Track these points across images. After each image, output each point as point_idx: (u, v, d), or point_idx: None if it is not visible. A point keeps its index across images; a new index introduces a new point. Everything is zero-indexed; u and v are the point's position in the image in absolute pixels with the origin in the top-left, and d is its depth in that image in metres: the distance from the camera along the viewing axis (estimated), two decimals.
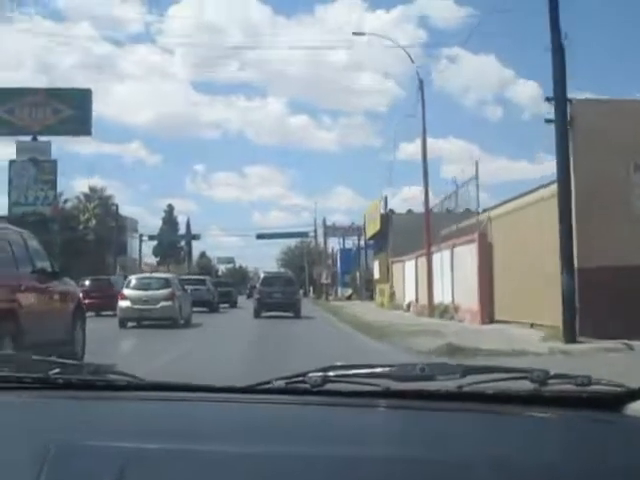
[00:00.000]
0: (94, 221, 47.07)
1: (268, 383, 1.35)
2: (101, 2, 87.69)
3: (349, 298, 47.96)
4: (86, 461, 1.01)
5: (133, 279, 20.38)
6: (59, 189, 40.30)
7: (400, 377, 1.29)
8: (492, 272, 17.05)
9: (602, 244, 11.33)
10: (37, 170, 37.61)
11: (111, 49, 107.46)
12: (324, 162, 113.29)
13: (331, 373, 1.31)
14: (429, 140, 24.15)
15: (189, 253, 76.34)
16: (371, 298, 39.79)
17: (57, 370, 1.43)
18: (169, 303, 18.53)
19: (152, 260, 67.34)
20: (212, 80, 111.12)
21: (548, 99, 11.47)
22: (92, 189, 49.83)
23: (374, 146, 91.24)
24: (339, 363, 1.37)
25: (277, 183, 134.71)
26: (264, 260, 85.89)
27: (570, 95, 11.46)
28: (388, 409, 1.26)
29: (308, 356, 9.56)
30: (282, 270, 50.38)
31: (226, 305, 32.93)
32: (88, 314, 12.37)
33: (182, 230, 76.25)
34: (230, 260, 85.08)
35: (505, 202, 17.51)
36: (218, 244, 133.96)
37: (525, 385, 1.27)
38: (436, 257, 22.12)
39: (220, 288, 33.16)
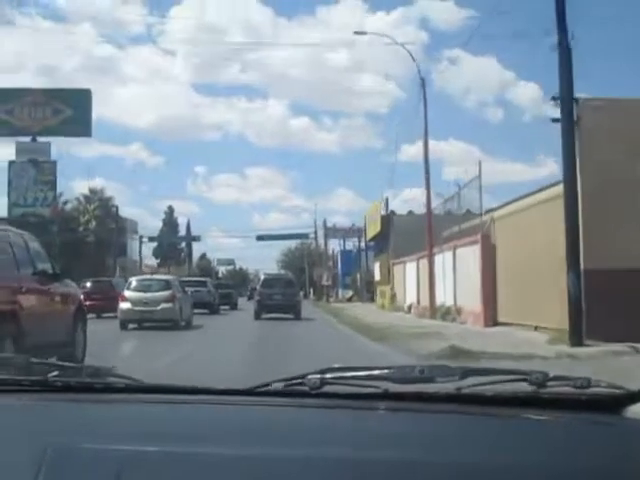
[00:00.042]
0: (94, 222, 47.03)
1: (267, 385, 1.34)
2: (102, 3, 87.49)
3: (350, 300, 47.90)
4: (84, 464, 1.01)
5: (134, 281, 20.40)
6: (59, 190, 40.33)
7: (399, 379, 1.28)
8: (495, 274, 16.92)
9: (609, 245, 11.16)
10: (36, 171, 37.53)
11: (113, 51, 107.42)
12: (325, 164, 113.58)
13: (330, 375, 1.31)
14: (430, 142, 24.11)
15: (189, 255, 76.29)
16: (372, 300, 39.73)
17: (56, 373, 1.42)
18: (170, 305, 18.54)
19: (152, 262, 67.36)
20: (213, 82, 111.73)
21: (554, 98, 11.29)
22: (92, 190, 49.83)
23: (375, 148, 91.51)
24: (338, 365, 1.37)
25: (278, 185, 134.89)
26: (264, 262, 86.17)
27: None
28: (387, 411, 1.25)
29: (308, 358, 9.54)
30: (282, 272, 50.58)
31: (226, 307, 32.98)
32: (89, 316, 12.47)
33: (182, 232, 76.25)
34: (230, 262, 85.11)
35: (508, 203, 17.37)
36: (218, 246, 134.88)
37: (524, 387, 1.27)
38: (438, 258, 22.03)
39: (220, 290, 33.27)
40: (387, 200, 37.00)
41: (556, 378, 1.27)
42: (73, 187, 68.07)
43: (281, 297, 24.03)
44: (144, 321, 18.49)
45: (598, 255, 11.16)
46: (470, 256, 18.18)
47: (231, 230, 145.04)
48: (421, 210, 25.19)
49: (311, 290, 63.13)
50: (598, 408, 1.23)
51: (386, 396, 1.28)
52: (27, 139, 37.75)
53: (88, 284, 25.05)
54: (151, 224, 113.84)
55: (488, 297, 16.88)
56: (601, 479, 1.00)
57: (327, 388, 1.29)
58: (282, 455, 1.04)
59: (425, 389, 1.28)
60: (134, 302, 18.54)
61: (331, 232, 58.06)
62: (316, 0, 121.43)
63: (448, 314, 20.03)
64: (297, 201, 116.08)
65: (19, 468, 1.00)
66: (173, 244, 74.14)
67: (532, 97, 79.29)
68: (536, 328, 13.65)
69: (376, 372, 1.32)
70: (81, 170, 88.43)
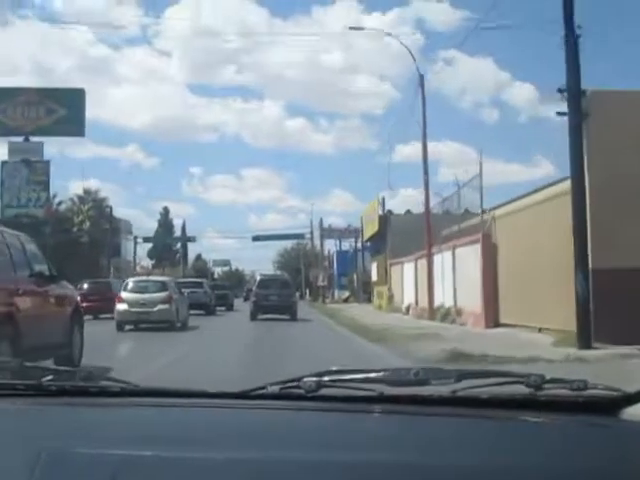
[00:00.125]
0: (88, 223, 46.89)
1: (262, 388, 1.35)
2: (98, 4, 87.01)
3: (346, 301, 47.78)
4: (79, 468, 1.01)
5: (130, 282, 20.56)
6: (54, 191, 40.14)
7: (395, 382, 1.29)
8: (497, 273, 16.65)
9: (618, 244, 10.79)
10: (29, 171, 37.27)
11: (108, 52, 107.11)
12: (321, 165, 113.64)
13: (325, 378, 1.31)
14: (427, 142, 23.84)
15: (184, 256, 76.21)
16: (369, 301, 39.57)
17: (50, 377, 1.43)
18: (166, 306, 18.70)
19: (147, 263, 67.21)
20: (209, 82, 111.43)
21: (560, 90, 10.83)
22: (86, 191, 49.78)
23: (371, 149, 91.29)
24: (334, 368, 1.37)
25: (274, 186, 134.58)
26: (260, 262, 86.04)
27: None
28: (382, 414, 1.26)
29: (304, 360, 9.49)
30: (278, 273, 50.48)
31: (223, 308, 33.15)
32: (86, 317, 12.58)
33: (178, 233, 76.04)
34: (226, 263, 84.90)
35: (510, 201, 17.09)
36: (214, 247, 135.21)
37: (520, 390, 1.27)
38: (437, 258, 21.81)
39: (217, 291, 33.53)
40: (384, 200, 36.85)
41: (553, 380, 1.28)
42: (68, 188, 67.64)
43: (277, 298, 24.13)
44: (141, 322, 18.57)
45: (606, 254, 10.79)
46: (470, 256, 17.94)
47: (227, 231, 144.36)
48: (419, 209, 25.04)
49: (307, 291, 63.12)
50: (595, 410, 1.23)
51: (382, 399, 1.28)
52: (20, 139, 37.46)
53: (85, 285, 25.19)
54: (146, 225, 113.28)
55: (489, 298, 16.60)
56: None
57: (323, 391, 1.29)
58: (278, 458, 1.04)
59: (421, 392, 1.29)
60: (131, 303, 18.66)
61: (327, 232, 57.97)
62: (312, 1, 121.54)
63: (447, 315, 19.80)
64: (293, 202, 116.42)
65: (13, 473, 0.99)
66: (168, 245, 74.05)
67: (528, 98, 79.31)
68: (540, 330, 13.38)
69: (372, 375, 1.32)
70: (76, 171, 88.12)
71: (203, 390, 1.38)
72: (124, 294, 19.10)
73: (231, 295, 38.22)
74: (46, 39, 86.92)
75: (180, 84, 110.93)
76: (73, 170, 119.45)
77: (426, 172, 22.91)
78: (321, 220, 59.37)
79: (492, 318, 16.42)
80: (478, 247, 17.39)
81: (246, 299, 40.17)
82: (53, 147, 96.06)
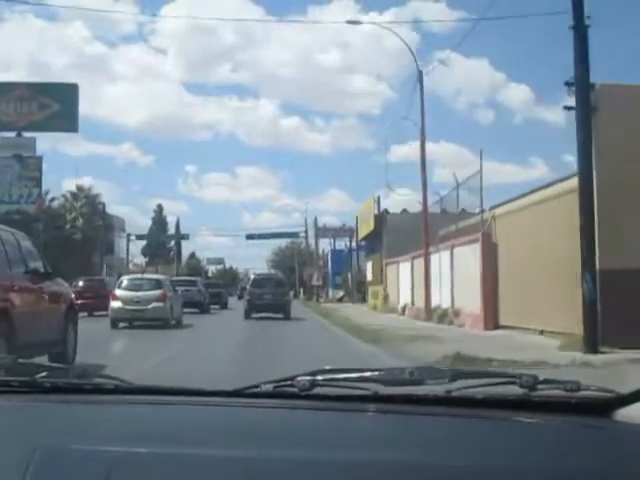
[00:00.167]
0: (81, 220, 46.64)
1: (256, 387, 1.35)
2: (94, 2, 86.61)
3: (340, 300, 47.63)
4: (73, 465, 1.01)
5: (125, 280, 20.65)
6: (47, 188, 39.77)
7: (389, 381, 1.29)
8: (497, 274, 16.38)
9: (627, 243, 10.51)
10: (21, 167, 36.94)
11: (104, 49, 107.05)
12: (316, 164, 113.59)
13: (320, 377, 1.31)
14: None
15: (178, 253, 76.17)
16: (363, 300, 39.47)
17: (44, 374, 1.43)
18: (161, 304, 18.80)
19: (140, 260, 67.14)
20: (204, 81, 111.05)
21: (568, 84, 10.43)
22: (79, 188, 49.48)
23: (366, 148, 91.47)
24: (328, 367, 1.36)
25: (269, 184, 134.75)
26: (254, 261, 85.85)
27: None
28: (376, 413, 1.26)
29: (297, 359, 9.47)
30: (272, 271, 50.49)
31: (217, 306, 33.28)
32: (81, 314, 12.82)
33: (172, 230, 75.95)
34: (220, 261, 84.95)
35: (511, 200, 16.84)
36: (208, 245, 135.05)
37: (514, 390, 1.27)
38: (434, 258, 21.61)
39: (211, 289, 33.75)
40: (379, 199, 36.64)
41: (546, 381, 1.28)
42: (61, 185, 67.48)
43: (271, 297, 24.28)
44: (135, 320, 18.66)
45: (615, 254, 10.48)
46: (469, 255, 17.70)
47: (221, 229, 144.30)
48: (415, 208, 24.86)
49: (301, 290, 63.03)
50: (588, 411, 1.23)
51: (376, 398, 1.28)
52: (12, 134, 37.13)
53: (80, 283, 25.31)
54: (140, 223, 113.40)
55: (489, 299, 16.33)
56: None
57: (317, 390, 1.29)
58: (271, 457, 1.04)
59: (415, 391, 1.29)
60: (125, 301, 18.75)
61: (322, 232, 58.02)
62: (308, 0, 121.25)
63: (445, 316, 19.55)
64: (288, 200, 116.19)
65: (8, 469, 1.00)
66: (162, 243, 73.98)
67: (523, 99, 79.33)
68: (542, 332, 13.14)
69: (366, 374, 1.33)
70: (70, 169, 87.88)
71: (197, 388, 1.39)
72: (118, 292, 19.20)
73: (225, 293, 38.47)
74: (41, 36, 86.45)
75: (175, 82, 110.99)
76: (67, 167, 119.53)
77: (424, 169, 22.69)
78: (316, 219, 59.53)
79: (492, 320, 16.16)
80: (477, 246, 17.14)
81: (240, 297, 40.39)
82: (46, 143, 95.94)
